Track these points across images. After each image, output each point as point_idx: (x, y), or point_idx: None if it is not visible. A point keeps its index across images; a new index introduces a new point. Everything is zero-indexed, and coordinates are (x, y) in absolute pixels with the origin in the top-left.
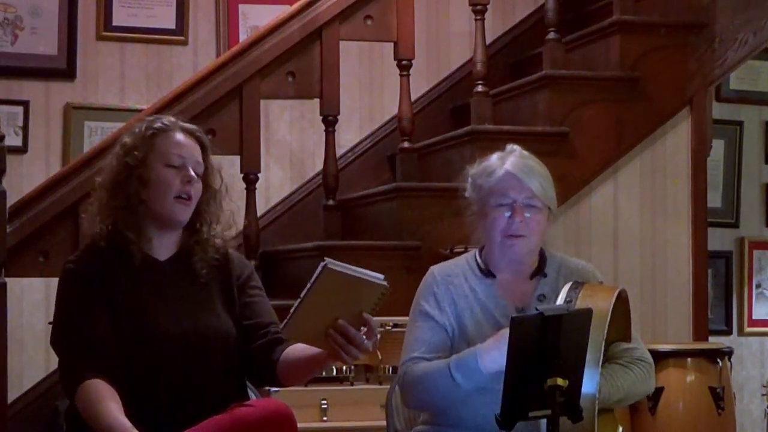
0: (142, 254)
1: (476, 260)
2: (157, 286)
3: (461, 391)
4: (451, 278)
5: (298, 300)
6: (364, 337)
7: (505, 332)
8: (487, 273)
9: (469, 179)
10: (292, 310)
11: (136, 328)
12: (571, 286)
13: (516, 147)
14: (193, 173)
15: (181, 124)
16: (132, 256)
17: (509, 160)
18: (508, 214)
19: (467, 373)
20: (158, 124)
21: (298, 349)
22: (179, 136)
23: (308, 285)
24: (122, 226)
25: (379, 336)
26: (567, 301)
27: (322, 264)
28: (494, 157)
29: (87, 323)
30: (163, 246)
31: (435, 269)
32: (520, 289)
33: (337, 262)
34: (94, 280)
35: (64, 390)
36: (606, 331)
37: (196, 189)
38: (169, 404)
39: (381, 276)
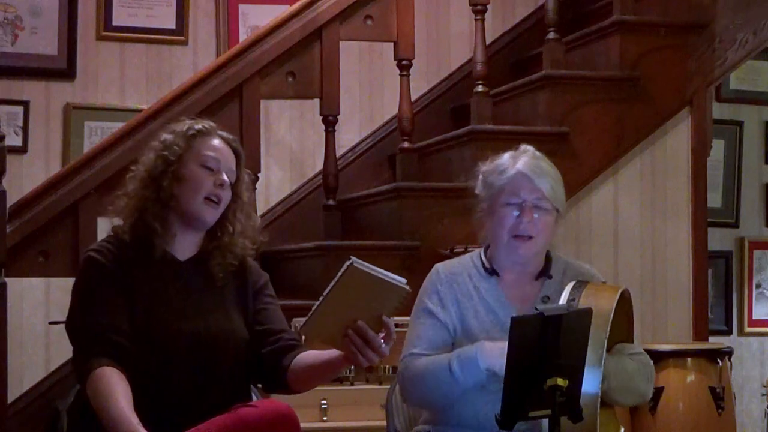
0: (163, 251)
1: (481, 259)
2: (174, 285)
3: (458, 386)
4: (456, 276)
5: (321, 298)
6: (382, 340)
7: None
8: (492, 272)
9: (480, 176)
10: (313, 308)
11: (148, 323)
12: (574, 285)
13: (529, 147)
14: (225, 178)
15: (219, 131)
16: (153, 249)
17: (522, 160)
18: (516, 213)
19: (465, 364)
20: (199, 126)
21: (311, 355)
22: (216, 142)
23: (332, 283)
24: (151, 217)
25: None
26: (570, 300)
27: (347, 263)
28: (507, 156)
29: (103, 312)
30: (185, 246)
31: (440, 267)
32: (525, 290)
33: (362, 262)
34: (113, 271)
35: (75, 376)
36: (609, 330)
37: (226, 194)
38: (175, 402)
39: (403, 280)
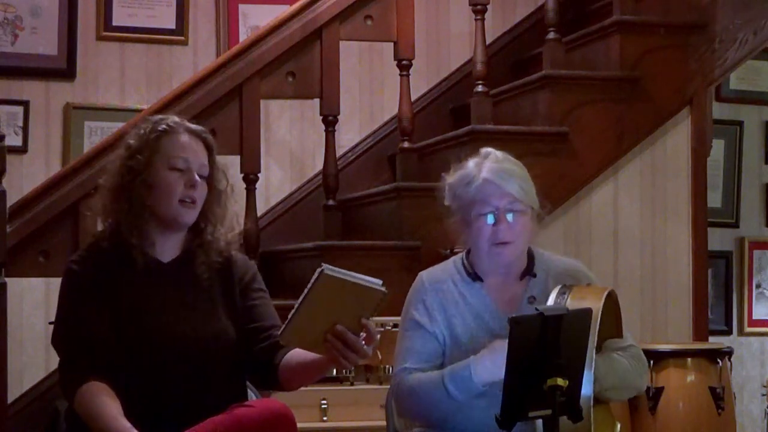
0: (145, 256)
1: (463, 264)
2: (159, 289)
3: (455, 402)
4: (440, 284)
5: (295, 306)
6: (363, 342)
7: (498, 343)
8: (475, 277)
9: (447, 187)
10: (289, 316)
11: (136, 330)
12: (558, 290)
13: (490, 150)
14: (197, 177)
15: (187, 124)
16: (134, 258)
17: (486, 167)
18: (491, 221)
19: (461, 385)
20: (163, 126)
21: (300, 353)
22: (184, 138)
23: (305, 291)
24: (126, 229)
25: (378, 337)
26: (557, 304)
27: (318, 270)
28: (470, 164)
29: (88, 324)
30: (167, 248)
31: (424, 275)
32: (510, 292)
33: (334, 268)
34: (96, 280)
35: (62, 391)
36: (596, 334)
37: (201, 192)
38: (169, 406)
39: (379, 281)
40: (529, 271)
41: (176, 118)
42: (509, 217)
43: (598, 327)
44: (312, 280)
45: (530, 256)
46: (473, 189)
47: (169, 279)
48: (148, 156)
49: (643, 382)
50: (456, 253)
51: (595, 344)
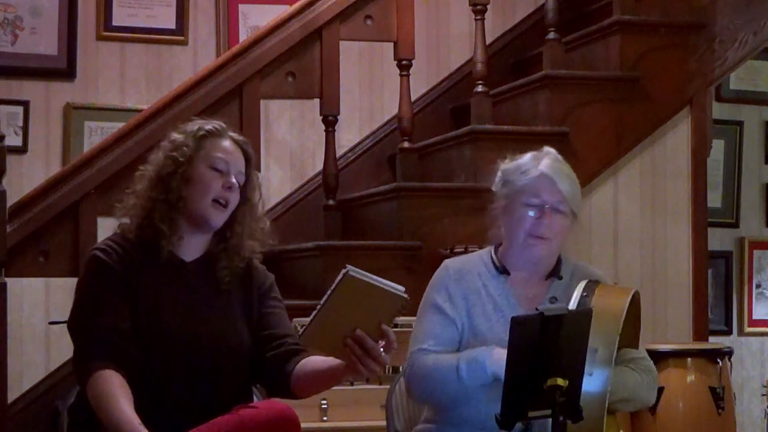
0: (169, 252)
1: (491, 257)
2: (178, 286)
3: (464, 387)
4: (465, 273)
5: (318, 307)
6: (382, 349)
7: None
8: (502, 270)
9: (500, 174)
10: (311, 318)
11: (151, 324)
12: (586, 284)
13: (551, 149)
14: (234, 180)
15: (231, 132)
16: (160, 250)
17: (544, 161)
18: (533, 213)
19: (473, 368)
20: (209, 127)
21: (314, 361)
22: (227, 143)
23: (328, 292)
24: (158, 218)
25: (396, 345)
26: (583, 296)
27: (343, 271)
28: (529, 156)
29: (106, 313)
30: (191, 247)
31: (449, 263)
32: (534, 289)
33: (358, 270)
34: (119, 271)
35: (76, 377)
36: (620, 330)
37: (234, 197)
38: (177, 404)
39: (402, 288)
40: (555, 273)
41: (222, 124)
42: (553, 215)
43: (621, 324)
44: (336, 281)
45: (558, 259)
46: (527, 179)
47: (190, 278)
48: (192, 151)
49: (652, 396)
50: (456, 253)
51: (617, 342)
